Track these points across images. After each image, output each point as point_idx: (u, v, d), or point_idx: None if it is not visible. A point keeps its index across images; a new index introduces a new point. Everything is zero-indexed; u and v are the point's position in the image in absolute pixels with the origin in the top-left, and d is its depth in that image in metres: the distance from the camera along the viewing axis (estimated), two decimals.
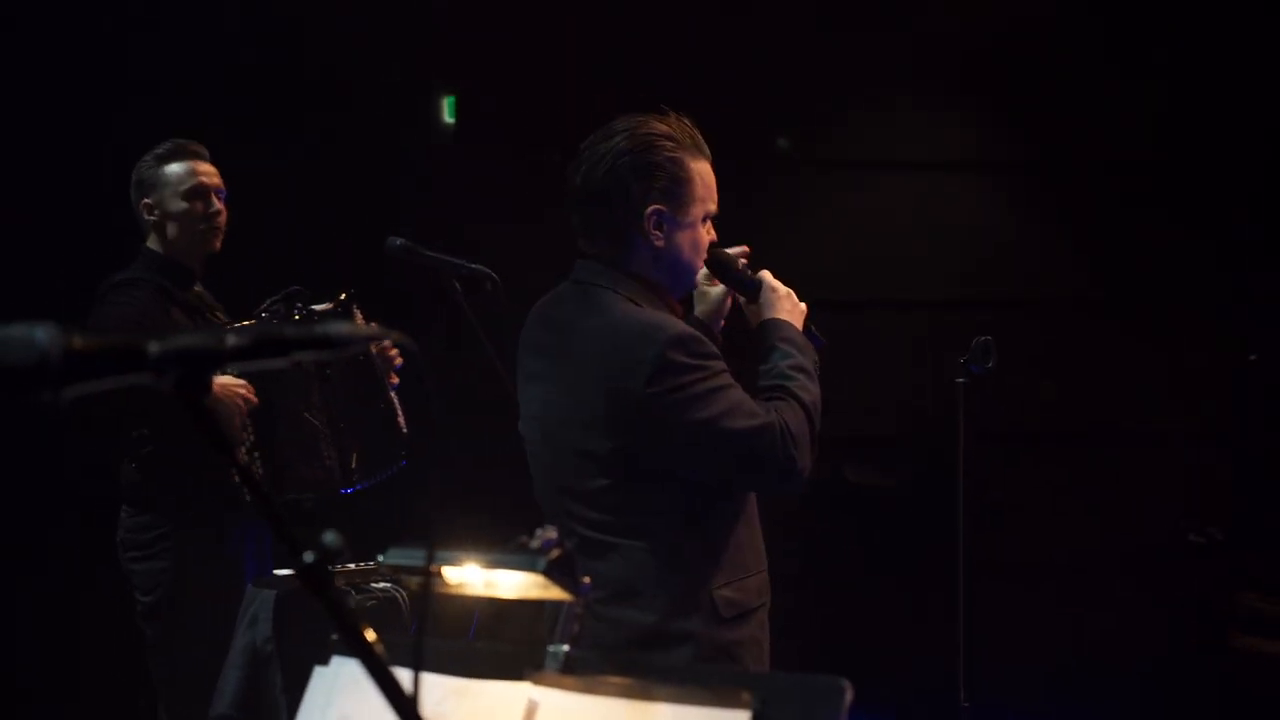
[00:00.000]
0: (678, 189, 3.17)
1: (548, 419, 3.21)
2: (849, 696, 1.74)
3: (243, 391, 4.56)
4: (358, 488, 4.83)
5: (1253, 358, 7.01)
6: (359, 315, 4.86)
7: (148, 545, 4.62)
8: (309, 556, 1.40)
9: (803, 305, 3.37)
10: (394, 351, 4.92)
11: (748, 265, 3.39)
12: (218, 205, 4.78)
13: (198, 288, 4.84)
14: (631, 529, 3.11)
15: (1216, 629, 6.59)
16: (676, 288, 3.29)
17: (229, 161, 4.89)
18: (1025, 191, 7.20)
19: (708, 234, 3.28)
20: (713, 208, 3.26)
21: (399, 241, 4.45)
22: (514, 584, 1.87)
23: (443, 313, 4.58)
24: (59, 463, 5.20)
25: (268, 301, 4.76)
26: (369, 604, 4.19)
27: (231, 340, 1.38)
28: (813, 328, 3.36)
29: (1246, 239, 7.00)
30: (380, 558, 1.89)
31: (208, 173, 4.78)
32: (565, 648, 1.89)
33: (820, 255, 6.64)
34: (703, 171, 3.22)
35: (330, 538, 1.41)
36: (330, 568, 1.41)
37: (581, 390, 3.12)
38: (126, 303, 4.59)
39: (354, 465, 4.82)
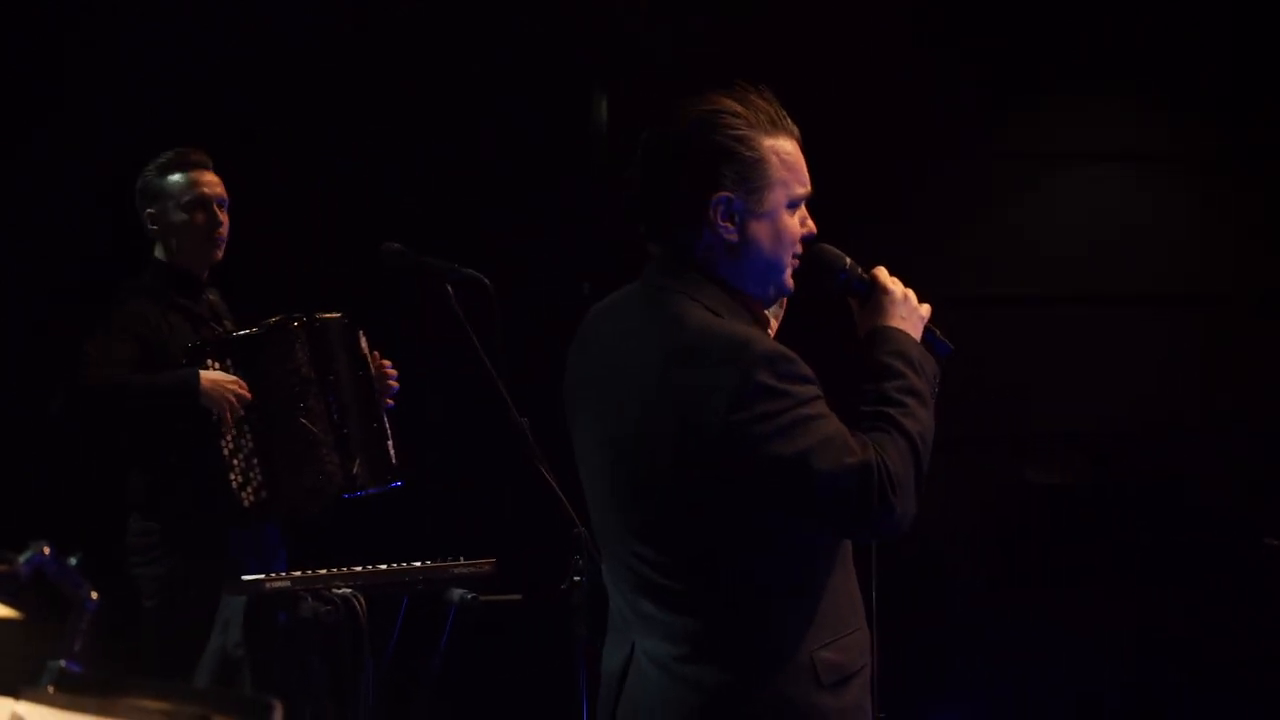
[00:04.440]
0: (747, 171, 2.71)
1: (607, 446, 2.77)
2: (278, 715, 1.69)
3: (233, 388, 4.61)
4: (360, 494, 4.83)
5: None
6: (362, 336, 4.88)
7: (150, 549, 4.70)
8: None
9: (924, 307, 2.91)
10: (392, 374, 4.92)
11: (856, 263, 2.92)
12: (220, 217, 4.82)
13: (212, 296, 4.90)
14: (707, 575, 2.69)
15: None
16: (762, 291, 2.80)
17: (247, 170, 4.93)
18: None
19: (800, 224, 2.81)
20: (800, 191, 2.79)
21: (394, 246, 4.41)
22: None
23: (435, 317, 4.51)
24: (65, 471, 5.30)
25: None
26: (325, 609, 4.16)
27: None
28: (936, 332, 2.94)
29: None
30: None
31: (210, 183, 4.81)
32: (61, 664, 1.85)
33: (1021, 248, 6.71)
34: (782, 150, 2.75)
35: None
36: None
37: (648, 414, 2.67)
38: (117, 311, 4.69)
39: (356, 471, 4.82)
